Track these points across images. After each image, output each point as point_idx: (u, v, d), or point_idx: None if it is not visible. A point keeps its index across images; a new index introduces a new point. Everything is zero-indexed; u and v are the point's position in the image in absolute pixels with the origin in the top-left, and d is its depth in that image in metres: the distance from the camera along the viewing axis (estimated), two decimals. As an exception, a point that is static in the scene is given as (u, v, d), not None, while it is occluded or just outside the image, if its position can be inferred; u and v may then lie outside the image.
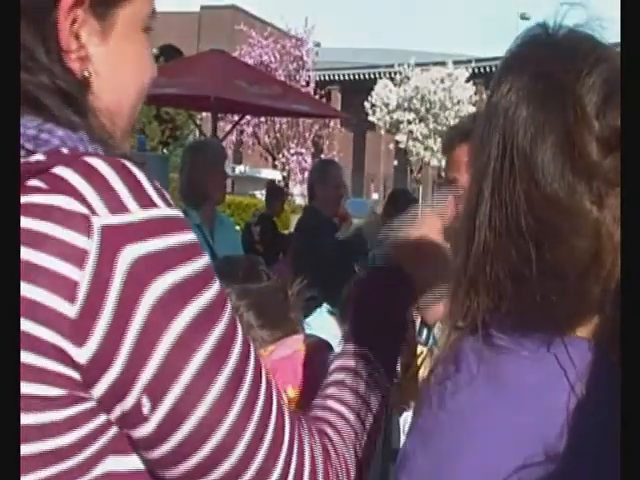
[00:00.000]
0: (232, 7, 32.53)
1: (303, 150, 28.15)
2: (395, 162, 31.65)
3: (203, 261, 0.89)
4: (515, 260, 0.93)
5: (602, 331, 0.93)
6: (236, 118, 13.75)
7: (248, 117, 21.51)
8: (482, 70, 35.24)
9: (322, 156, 25.38)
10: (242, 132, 27.42)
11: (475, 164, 0.99)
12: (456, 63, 31.91)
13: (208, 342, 0.86)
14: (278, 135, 28.44)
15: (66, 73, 0.95)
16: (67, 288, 0.81)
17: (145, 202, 0.86)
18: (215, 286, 0.89)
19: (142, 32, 1.04)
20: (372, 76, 35.65)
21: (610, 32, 1.01)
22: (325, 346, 1.94)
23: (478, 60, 36.45)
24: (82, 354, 0.81)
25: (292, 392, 1.79)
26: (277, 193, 9.39)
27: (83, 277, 0.81)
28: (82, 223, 0.82)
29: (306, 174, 26.12)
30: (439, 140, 29.44)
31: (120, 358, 0.82)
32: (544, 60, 0.97)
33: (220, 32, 30.97)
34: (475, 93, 31.52)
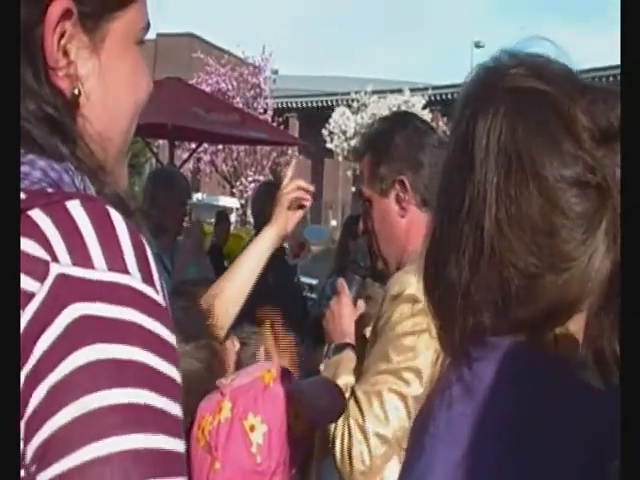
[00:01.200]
0: (189, 35, 32.53)
1: (261, 177, 28.10)
2: (353, 188, 31.64)
3: (168, 368, 0.76)
4: (526, 257, 0.96)
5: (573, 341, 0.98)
6: (193, 146, 13.68)
7: (205, 145, 21.43)
8: (438, 97, 35.55)
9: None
10: (199, 160, 27.34)
11: (456, 189, 1.01)
12: (412, 90, 32.16)
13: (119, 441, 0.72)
14: (236, 163, 28.39)
15: (54, 94, 0.87)
16: None
17: (115, 264, 0.77)
18: (170, 406, 0.75)
19: (135, 45, 0.96)
20: (329, 103, 35.78)
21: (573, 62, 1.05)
22: (286, 373, 1.96)
23: (434, 87, 36.79)
24: None
25: (253, 419, 1.81)
26: (223, 224, 9.43)
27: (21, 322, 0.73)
28: (40, 269, 0.75)
29: (264, 201, 26.21)
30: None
31: (28, 410, 0.73)
32: (518, 78, 1.00)
33: (177, 60, 30.92)
34: (432, 120, 31.75)
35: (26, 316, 0.73)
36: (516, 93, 0.99)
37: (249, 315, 2.47)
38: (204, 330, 1.85)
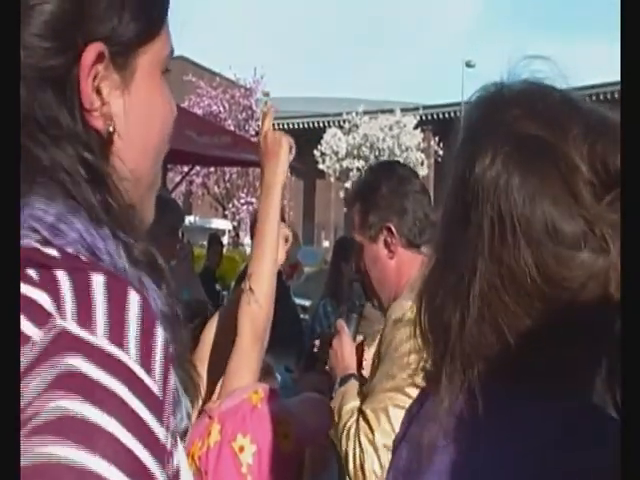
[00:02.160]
0: (180, 58, 32.63)
1: (254, 199, 28.11)
2: (345, 209, 31.72)
3: (140, 451, 0.74)
4: (525, 322, 0.93)
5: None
6: (185, 169, 13.66)
7: (197, 167, 21.44)
8: (430, 117, 35.67)
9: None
10: (191, 182, 27.33)
11: (453, 238, 0.99)
12: (404, 110, 32.27)
13: None
14: (228, 185, 28.39)
15: (90, 136, 0.88)
16: None
17: (116, 340, 0.76)
18: None
19: (161, 74, 0.97)
20: (321, 125, 35.89)
21: (571, 78, 1.01)
22: (273, 393, 1.96)
23: (425, 107, 36.91)
24: None
25: (242, 439, 1.81)
26: (215, 247, 9.44)
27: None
28: (44, 319, 0.75)
29: (257, 223, 26.10)
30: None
31: None
32: (518, 122, 0.96)
33: (168, 83, 30.92)
34: (423, 140, 31.85)
35: (23, 362, 0.73)
36: (516, 142, 0.95)
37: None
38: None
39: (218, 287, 9.28)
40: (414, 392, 2.11)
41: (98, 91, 0.88)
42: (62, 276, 0.77)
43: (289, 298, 5.87)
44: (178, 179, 13.88)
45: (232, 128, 22.88)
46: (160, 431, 0.76)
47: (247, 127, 27.90)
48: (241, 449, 1.78)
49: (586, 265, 0.91)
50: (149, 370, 0.77)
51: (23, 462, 0.70)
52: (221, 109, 28.05)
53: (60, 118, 0.86)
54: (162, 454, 0.76)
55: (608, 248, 0.91)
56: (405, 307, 2.21)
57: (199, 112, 22.91)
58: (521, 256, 0.92)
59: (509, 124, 0.97)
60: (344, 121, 32.21)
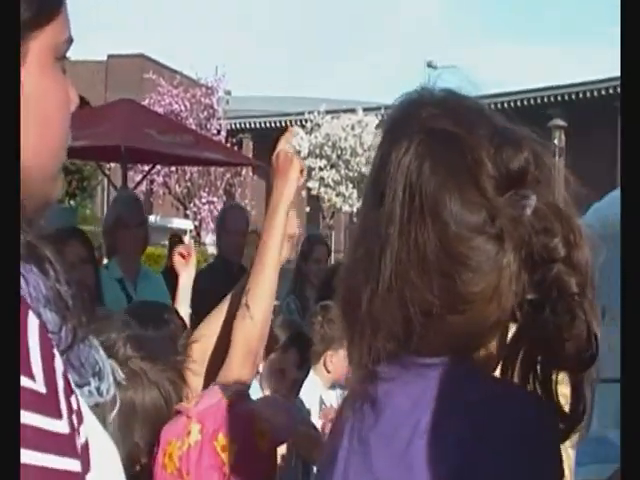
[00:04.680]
0: (140, 55, 32.40)
1: (215, 199, 28.01)
2: (307, 209, 31.70)
3: (54, 462, 0.73)
4: (426, 296, 1.01)
5: (492, 356, 1.05)
6: (146, 168, 13.55)
7: (158, 167, 21.33)
8: (391, 117, 35.80)
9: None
10: (152, 182, 27.14)
11: (368, 220, 1.08)
12: (365, 110, 32.31)
13: None
14: (189, 184, 28.25)
15: None
16: None
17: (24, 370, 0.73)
18: None
19: (57, 61, 0.91)
20: (283, 124, 35.87)
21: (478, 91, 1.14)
22: (244, 394, 1.99)
23: (387, 107, 37.02)
24: None
25: (223, 439, 1.81)
26: (176, 245, 9.38)
27: None
28: None
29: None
30: (351, 186, 29.71)
31: None
32: (433, 118, 1.07)
33: (128, 81, 30.71)
34: (385, 139, 31.93)
35: None
36: (429, 133, 1.06)
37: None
38: (172, 355, 1.84)
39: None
40: None
41: None
42: None
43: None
44: (139, 178, 13.75)
45: (193, 127, 22.74)
46: (59, 424, 0.75)
47: (209, 126, 27.78)
48: (223, 448, 1.78)
49: (482, 249, 1.01)
50: (27, 371, 0.74)
51: None
52: (182, 108, 27.88)
53: None
54: (69, 444, 0.75)
55: (503, 239, 1.01)
56: None
57: (160, 111, 22.72)
58: (427, 233, 1.01)
59: (425, 119, 1.07)
60: (306, 120, 32.21)
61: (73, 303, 0.86)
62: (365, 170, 30.20)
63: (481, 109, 1.11)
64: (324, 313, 3.72)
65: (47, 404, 0.74)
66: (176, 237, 9.96)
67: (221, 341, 2.08)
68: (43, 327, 0.78)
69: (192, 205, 28.44)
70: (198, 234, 26.76)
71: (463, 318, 1.01)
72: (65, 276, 0.86)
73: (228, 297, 2.21)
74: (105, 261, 5.35)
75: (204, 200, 28.13)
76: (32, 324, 0.76)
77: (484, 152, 1.03)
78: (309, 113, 32.39)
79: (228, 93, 30.20)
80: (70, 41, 0.94)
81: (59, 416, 0.75)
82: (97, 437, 0.87)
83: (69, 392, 0.80)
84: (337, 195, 31.16)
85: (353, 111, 32.10)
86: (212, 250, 24.69)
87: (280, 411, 2.14)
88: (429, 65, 39.69)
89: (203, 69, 30.63)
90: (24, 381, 0.73)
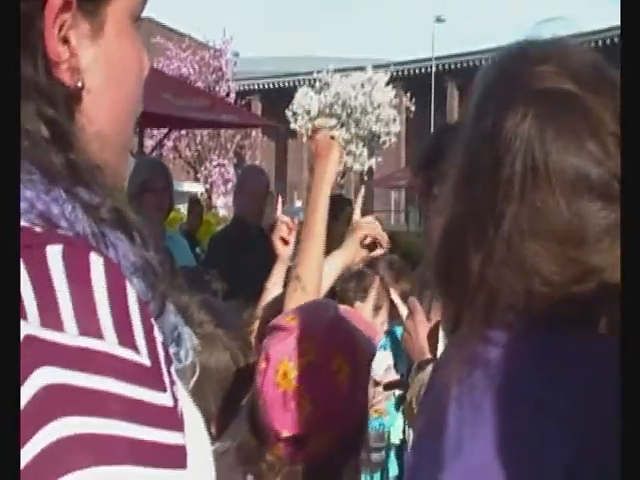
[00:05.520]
0: (147, 19, 32.22)
1: (225, 161, 27.96)
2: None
3: (155, 434, 0.70)
4: (549, 266, 0.97)
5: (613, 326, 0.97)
6: (156, 132, 13.53)
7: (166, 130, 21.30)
8: (401, 73, 35.57)
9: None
10: (162, 146, 27.11)
11: (476, 188, 1.03)
12: (375, 67, 32.12)
13: None
14: (199, 147, 28.20)
15: (55, 90, 0.80)
16: None
17: (87, 328, 0.70)
18: (158, 474, 0.70)
19: (133, 24, 0.89)
20: (292, 84, 35.69)
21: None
22: (326, 305, 1.98)
23: (397, 64, 36.79)
24: None
25: (338, 360, 1.74)
26: (195, 209, 9.42)
27: None
28: None
29: (229, 186, 26.20)
30: (361, 145, 29.60)
31: None
32: (548, 78, 1.01)
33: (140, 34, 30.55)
34: (395, 96, 31.75)
35: None
36: (546, 95, 1.00)
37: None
38: (241, 324, 1.86)
39: (198, 250, 9.23)
40: None
41: (65, 41, 0.81)
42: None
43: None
44: (151, 142, 13.74)
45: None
46: (164, 397, 0.73)
47: (217, 89, 27.66)
48: (338, 370, 1.73)
49: (612, 215, 0.96)
50: (132, 344, 0.72)
51: None
52: (191, 71, 27.76)
53: (23, 72, 0.78)
54: (174, 418, 0.74)
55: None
56: None
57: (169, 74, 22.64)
58: (554, 200, 0.97)
59: (538, 79, 1.01)
60: (315, 80, 32.02)
61: (160, 270, 0.84)
62: (375, 128, 30.11)
63: (597, 63, 1.05)
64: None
65: (152, 377, 0.73)
66: (196, 200, 9.99)
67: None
68: (140, 297, 0.77)
69: (203, 168, 28.42)
70: (209, 197, 26.75)
71: (588, 288, 0.97)
72: (152, 242, 0.85)
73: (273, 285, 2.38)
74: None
75: (214, 163, 28.10)
76: (131, 294, 0.75)
77: (607, 113, 0.99)
78: (318, 72, 32.20)
79: (236, 55, 30.04)
80: (144, 1, 0.91)
81: (163, 389, 0.74)
82: (186, 405, 0.86)
83: (169, 363, 0.79)
84: (347, 154, 31.08)
85: (362, 69, 31.89)
86: (223, 212, 24.72)
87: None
88: (437, 19, 39.38)
89: (210, 32, 30.46)
90: (129, 353, 0.71)
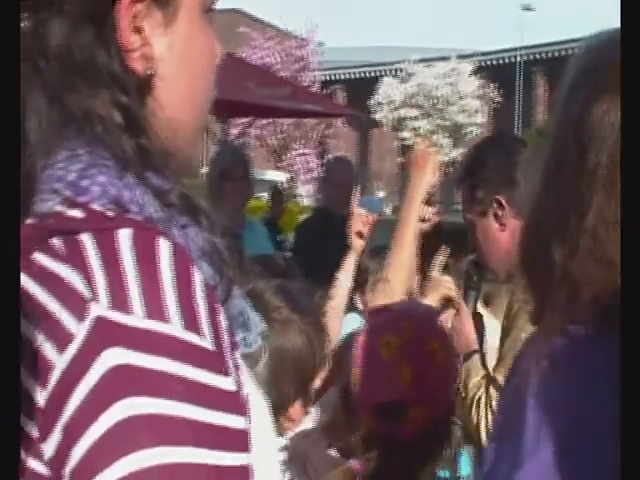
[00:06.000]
0: (232, 10, 32.47)
1: (308, 150, 28.03)
2: (399, 159, 31.51)
3: (217, 416, 0.72)
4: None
5: None
6: (239, 121, 13.63)
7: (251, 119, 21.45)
8: (486, 63, 35.14)
9: (329, 155, 25.29)
10: (245, 134, 27.31)
11: (561, 177, 1.01)
12: (460, 57, 31.80)
13: None
14: (284, 136, 28.33)
15: (128, 78, 0.83)
16: (43, 372, 0.71)
17: (154, 311, 0.72)
18: (223, 457, 0.72)
19: (205, 14, 0.91)
20: (376, 74, 35.56)
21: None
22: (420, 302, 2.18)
23: (483, 54, 36.34)
24: (46, 449, 0.70)
25: (433, 342, 1.78)
26: (277, 198, 9.49)
27: (60, 363, 0.70)
28: (80, 308, 0.71)
29: (312, 175, 26.25)
30: (443, 136, 29.35)
31: (65, 471, 0.70)
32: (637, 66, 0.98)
33: (221, 36, 30.66)
34: (481, 86, 31.40)
35: (65, 358, 0.70)
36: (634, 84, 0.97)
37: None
38: (314, 308, 1.87)
39: (280, 238, 9.31)
40: None
41: (139, 30, 0.83)
42: (87, 240, 0.74)
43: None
44: (234, 130, 13.85)
45: (287, 80, 22.74)
46: (227, 381, 0.74)
47: (301, 78, 27.72)
48: (434, 350, 1.76)
49: None
50: (196, 328, 0.73)
51: None
52: (275, 61, 27.87)
53: (97, 60, 0.81)
54: (236, 401, 0.75)
55: None
56: None
57: (253, 64, 22.78)
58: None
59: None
60: (399, 70, 31.85)
61: (228, 255, 0.86)
62: (459, 119, 29.83)
63: None
64: None
65: (215, 361, 0.75)
66: (277, 189, 10.07)
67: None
68: (206, 282, 0.78)
69: (286, 157, 28.54)
70: (292, 186, 26.86)
71: None
72: (220, 227, 0.86)
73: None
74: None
75: (298, 152, 28.20)
76: (197, 279, 0.76)
77: None
78: (402, 62, 32.02)
79: (321, 44, 30.07)
80: None
81: (227, 373, 0.75)
82: (251, 390, 0.88)
83: (234, 347, 0.81)
84: (432, 145, 30.90)
85: (447, 59, 31.60)
86: (306, 201, 24.78)
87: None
88: (525, 8, 38.79)
89: (294, 21, 30.55)
90: (193, 337, 0.73)
